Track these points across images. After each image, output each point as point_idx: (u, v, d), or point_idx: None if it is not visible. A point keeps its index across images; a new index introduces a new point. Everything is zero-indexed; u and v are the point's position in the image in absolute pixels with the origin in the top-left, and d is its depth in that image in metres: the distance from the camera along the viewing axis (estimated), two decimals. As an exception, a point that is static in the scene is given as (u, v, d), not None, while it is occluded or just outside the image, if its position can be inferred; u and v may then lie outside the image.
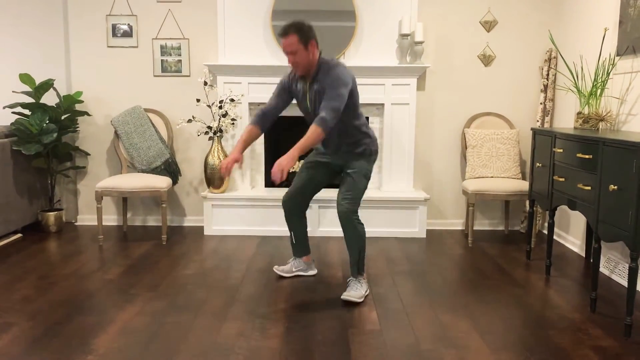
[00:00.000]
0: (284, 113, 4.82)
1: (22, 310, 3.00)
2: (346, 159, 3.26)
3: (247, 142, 3.24)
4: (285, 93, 3.27)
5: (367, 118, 4.83)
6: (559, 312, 3.05)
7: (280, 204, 4.60)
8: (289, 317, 2.93)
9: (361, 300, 3.15)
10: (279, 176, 2.85)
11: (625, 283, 3.50)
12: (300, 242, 3.54)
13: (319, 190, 3.46)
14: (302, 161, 3.55)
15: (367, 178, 3.25)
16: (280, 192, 4.71)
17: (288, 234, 4.61)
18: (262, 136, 4.87)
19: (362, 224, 3.19)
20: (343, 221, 3.13)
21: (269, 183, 5.00)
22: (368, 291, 3.29)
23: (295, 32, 2.99)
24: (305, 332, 2.75)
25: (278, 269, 3.60)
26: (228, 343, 2.63)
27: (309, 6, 4.66)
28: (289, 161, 2.87)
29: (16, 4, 4.88)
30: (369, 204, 4.59)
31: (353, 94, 3.13)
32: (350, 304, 3.12)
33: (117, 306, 3.07)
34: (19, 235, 4.57)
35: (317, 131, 2.92)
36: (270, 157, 5.03)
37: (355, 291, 3.15)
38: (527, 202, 4.61)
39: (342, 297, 3.14)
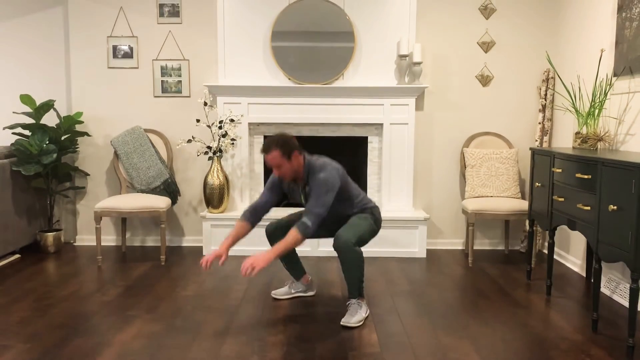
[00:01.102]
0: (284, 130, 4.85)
1: (19, 333, 2.97)
2: (343, 221, 3.28)
3: (236, 238, 3.19)
4: (277, 190, 3.28)
5: (367, 139, 4.85)
6: (560, 333, 3.03)
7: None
8: (288, 339, 2.90)
9: (360, 324, 3.12)
10: (248, 272, 2.81)
11: (626, 303, 3.48)
12: (292, 267, 3.53)
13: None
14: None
15: (370, 225, 3.23)
16: (279, 212, 4.70)
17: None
18: (261, 156, 4.88)
19: (361, 252, 3.12)
20: (341, 251, 3.06)
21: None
22: (368, 312, 3.26)
23: (277, 148, 3.02)
24: (305, 355, 2.73)
25: (275, 294, 3.58)
26: (227, 366, 2.60)
27: (308, 27, 4.71)
28: (263, 263, 2.85)
29: (17, 25, 4.93)
30: (369, 224, 4.58)
31: (344, 191, 3.16)
32: (351, 327, 3.09)
33: (115, 328, 3.05)
34: (17, 256, 4.55)
35: (297, 237, 2.95)
36: (269, 177, 5.03)
37: (355, 316, 3.12)
38: (527, 222, 4.61)
39: (341, 322, 3.11)
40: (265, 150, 3.04)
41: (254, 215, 3.24)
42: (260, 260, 2.86)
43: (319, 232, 3.36)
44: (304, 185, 3.17)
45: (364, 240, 3.18)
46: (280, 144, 3.02)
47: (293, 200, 3.34)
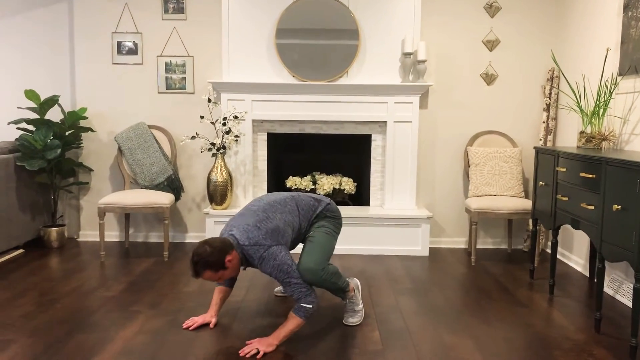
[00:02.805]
0: (284, 130, 4.86)
1: (22, 327, 2.98)
2: (306, 231, 3.08)
3: (221, 302, 3.14)
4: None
5: (370, 137, 4.84)
6: (563, 333, 3.02)
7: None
8: (291, 337, 2.90)
9: (361, 319, 3.13)
10: (251, 354, 2.68)
11: (629, 303, 3.47)
12: None
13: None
14: None
15: (331, 235, 3.05)
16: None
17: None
18: (264, 153, 4.89)
19: (332, 271, 2.93)
20: (311, 281, 2.85)
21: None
22: (361, 305, 3.19)
23: (207, 268, 2.71)
24: (307, 352, 2.73)
25: (277, 292, 3.58)
26: (229, 362, 2.61)
27: (313, 25, 4.70)
28: (267, 348, 2.73)
29: (22, 20, 4.94)
30: (372, 222, 4.59)
31: (289, 235, 2.91)
32: (355, 325, 3.10)
33: (118, 324, 3.05)
34: (21, 250, 4.57)
35: (299, 322, 2.80)
36: (272, 174, 5.04)
37: (354, 315, 3.13)
38: (530, 221, 4.60)
39: (344, 322, 3.11)
40: (196, 275, 2.73)
41: (230, 280, 3.13)
42: (263, 346, 2.72)
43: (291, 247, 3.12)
44: (255, 264, 2.85)
45: (330, 255, 3.00)
46: (208, 264, 2.70)
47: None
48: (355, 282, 3.23)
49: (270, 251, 2.77)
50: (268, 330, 2.97)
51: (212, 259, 2.69)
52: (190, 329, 3.00)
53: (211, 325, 3.04)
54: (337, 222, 3.15)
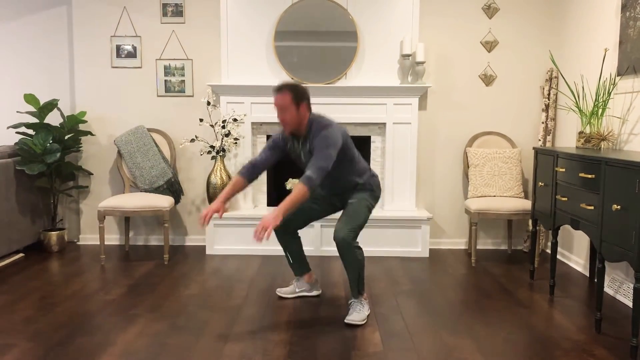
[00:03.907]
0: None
1: (23, 331, 2.98)
2: (345, 196, 3.27)
3: (231, 193, 3.20)
4: (277, 149, 3.28)
5: (369, 138, 4.85)
6: (563, 333, 3.02)
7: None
8: (292, 339, 2.91)
9: (363, 322, 3.12)
10: (262, 236, 2.77)
11: (630, 303, 3.47)
12: (297, 260, 3.53)
13: (317, 219, 3.47)
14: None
15: (369, 209, 3.24)
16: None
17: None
18: (265, 155, 4.89)
19: (361, 249, 3.15)
20: (341, 248, 3.08)
21: (272, 202, 5.00)
22: (369, 311, 3.26)
23: (290, 91, 3.03)
24: (308, 354, 2.73)
25: (280, 292, 3.59)
26: (230, 365, 2.61)
27: (311, 27, 4.71)
28: (274, 221, 2.82)
29: (21, 24, 4.95)
30: (371, 224, 4.58)
31: (347, 151, 3.15)
32: (353, 325, 3.10)
33: (119, 327, 3.05)
34: (21, 255, 4.56)
35: (303, 190, 2.91)
36: (272, 177, 5.04)
37: (358, 314, 3.14)
38: (530, 222, 4.60)
39: (345, 320, 3.12)
40: (279, 89, 3.05)
41: (251, 172, 3.25)
42: (269, 220, 2.81)
43: (320, 204, 3.37)
44: (304, 140, 3.15)
45: (362, 227, 3.18)
46: (294, 89, 3.05)
47: (294, 158, 3.31)
48: (369, 305, 3.28)
49: (331, 131, 3.04)
50: (268, 332, 2.98)
51: (301, 90, 3.07)
52: (206, 223, 3.02)
53: (220, 214, 3.09)
54: (377, 196, 3.32)
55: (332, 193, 3.35)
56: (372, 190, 3.29)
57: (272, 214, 2.84)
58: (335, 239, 3.07)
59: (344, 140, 3.11)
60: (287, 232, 3.44)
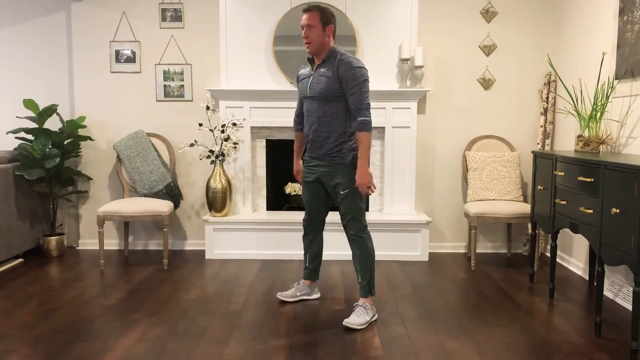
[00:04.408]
0: (283, 137, 4.87)
1: (22, 337, 2.98)
2: (332, 169, 3.18)
3: (301, 147, 3.49)
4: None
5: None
6: (563, 337, 3.02)
7: (283, 226, 4.62)
8: (292, 343, 2.90)
9: (363, 327, 3.12)
10: (368, 192, 3.09)
11: (629, 306, 3.47)
12: (316, 266, 3.55)
13: (326, 203, 3.40)
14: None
15: (358, 191, 3.20)
16: (281, 216, 4.71)
17: (289, 257, 4.62)
18: (263, 159, 4.90)
19: (371, 240, 3.24)
20: (353, 241, 3.19)
21: (271, 206, 5.01)
22: (376, 317, 3.25)
23: (319, 11, 3.15)
24: (307, 359, 2.73)
25: (282, 295, 3.58)
26: (230, 370, 2.61)
27: (310, 32, 4.71)
28: (367, 176, 3.05)
29: (20, 30, 4.96)
30: (371, 227, 4.58)
31: None
32: (353, 329, 3.09)
33: (118, 332, 3.05)
34: (20, 260, 4.56)
35: (367, 135, 3.05)
36: (271, 181, 5.04)
37: (358, 318, 3.13)
38: (529, 225, 4.60)
39: (343, 322, 3.11)
40: (308, 9, 3.16)
41: (301, 123, 3.46)
42: (364, 178, 3.06)
43: (309, 189, 3.37)
44: (320, 65, 3.20)
45: (364, 209, 3.24)
46: (323, 10, 3.16)
47: (299, 90, 3.35)
48: (375, 310, 3.27)
49: (360, 64, 3.11)
50: (268, 337, 2.97)
51: (329, 14, 3.17)
52: (301, 182, 3.41)
53: (296, 172, 3.52)
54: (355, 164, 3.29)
55: (312, 147, 3.25)
56: (353, 164, 3.15)
57: (362, 172, 3.05)
58: (347, 235, 3.22)
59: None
60: (314, 229, 3.46)
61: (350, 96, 3.07)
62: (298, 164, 3.51)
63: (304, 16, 3.16)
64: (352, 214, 3.18)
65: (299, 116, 3.45)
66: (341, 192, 3.19)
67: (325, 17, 3.15)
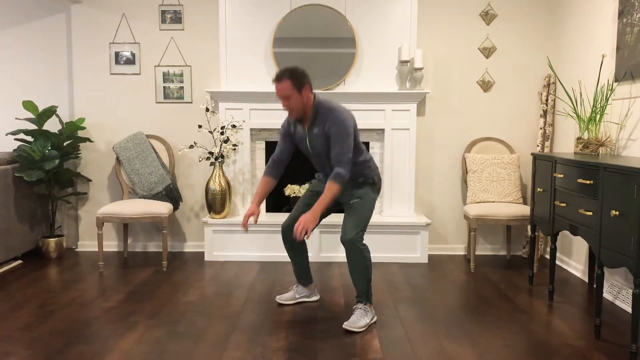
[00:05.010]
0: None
1: (21, 339, 2.97)
2: (347, 190, 3.23)
3: (263, 194, 3.29)
4: (288, 136, 3.30)
5: (368, 144, 4.85)
6: (563, 339, 3.02)
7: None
8: (291, 346, 2.90)
9: (362, 330, 3.11)
10: (302, 236, 2.92)
11: (629, 309, 3.47)
12: (302, 272, 3.53)
13: (323, 217, 3.39)
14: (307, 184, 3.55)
15: (372, 204, 3.25)
16: (280, 218, 4.70)
17: (288, 259, 4.61)
18: (263, 161, 4.90)
19: (368, 251, 3.16)
20: (349, 251, 3.10)
21: (270, 209, 5.00)
22: (375, 319, 3.24)
23: (289, 78, 3.02)
24: (307, 361, 2.73)
25: (280, 299, 3.57)
26: (229, 372, 2.60)
27: (310, 33, 4.72)
28: (313, 222, 2.95)
29: (20, 31, 4.96)
30: (370, 230, 4.57)
31: (355, 137, 3.17)
32: (352, 332, 3.09)
33: (117, 334, 3.04)
34: (19, 261, 4.55)
35: (336, 187, 3.00)
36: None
37: (358, 321, 3.12)
38: (529, 227, 4.60)
39: (343, 325, 3.11)
40: (277, 78, 3.04)
41: (274, 169, 3.31)
42: (309, 221, 2.95)
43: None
44: (311, 125, 3.15)
45: (367, 224, 3.22)
46: (293, 74, 3.03)
47: (298, 142, 3.31)
48: (374, 313, 3.27)
49: (344, 114, 3.06)
50: (267, 339, 2.97)
51: (300, 74, 3.03)
52: (246, 229, 3.21)
53: (255, 219, 3.20)
54: (378, 190, 3.35)
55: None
56: (374, 183, 3.29)
57: (310, 215, 2.96)
58: (343, 242, 3.10)
59: (354, 125, 3.14)
60: (294, 242, 3.41)
61: (333, 147, 3.05)
62: (257, 209, 3.24)
63: (277, 87, 3.05)
64: (357, 220, 3.14)
65: (276, 162, 3.31)
66: (351, 202, 3.21)
67: (298, 82, 3.02)
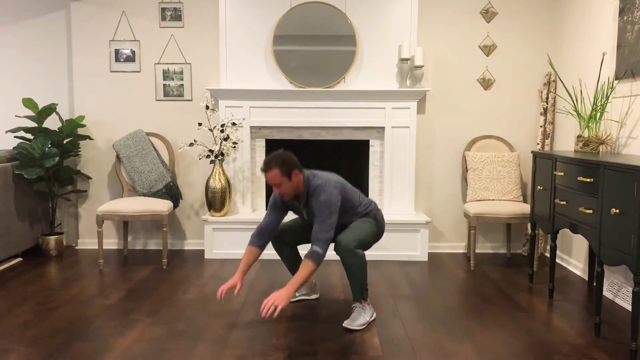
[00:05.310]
0: (282, 136, 4.86)
1: (21, 337, 2.97)
2: (347, 218, 3.27)
3: (248, 265, 3.22)
4: (278, 208, 3.25)
5: (368, 142, 4.84)
6: (563, 337, 3.02)
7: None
8: (291, 344, 2.90)
9: (363, 327, 3.12)
10: (270, 312, 2.84)
11: (629, 307, 3.47)
12: (292, 269, 3.52)
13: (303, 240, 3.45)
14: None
15: (372, 227, 3.25)
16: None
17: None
18: (263, 159, 4.88)
19: (364, 254, 3.14)
20: (342, 254, 3.08)
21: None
22: (374, 316, 3.25)
23: (277, 166, 3.01)
24: (307, 358, 2.72)
25: None
26: (229, 370, 2.60)
27: (310, 31, 4.72)
28: (285, 300, 2.88)
29: (20, 29, 4.95)
30: (370, 227, 4.58)
31: (346, 203, 3.17)
32: (352, 330, 3.09)
33: (117, 332, 3.04)
34: (19, 259, 4.55)
35: (311, 267, 2.96)
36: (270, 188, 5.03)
37: (358, 319, 3.13)
38: (529, 225, 4.60)
39: (343, 324, 3.11)
40: (265, 168, 3.04)
41: (260, 239, 3.24)
42: (281, 298, 2.87)
43: None
44: (305, 202, 3.16)
45: (365, 244, 3.19)
46: (280, 162, 3.01)
47: (297, 215, 3.37)
48: (373, 310, 3.27)
49: (327, 192, 3.04)
50: (267, 337, 2.97)
51: (286, 160, 3.01)
52: (221, 297, 3.09)
53: (236, 291, 3.13)
54: (380, 225, 3.34)
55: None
56: (376, 219, 3.31)
57: (282, 292, 2.89)
58: (336, 247, 3.10)
59: (342, 196, 3.13)
60: (283, 243, 3.44)
61: (315, 223, 3.03)
62: (241, 281, 3.15)
63: (266, 176, 3.05)
64: (355, 231, 3.14)
65: (263, 232, 3.23)
66: (350, 224, 3.23)
67: (286, 169, 3.01)
